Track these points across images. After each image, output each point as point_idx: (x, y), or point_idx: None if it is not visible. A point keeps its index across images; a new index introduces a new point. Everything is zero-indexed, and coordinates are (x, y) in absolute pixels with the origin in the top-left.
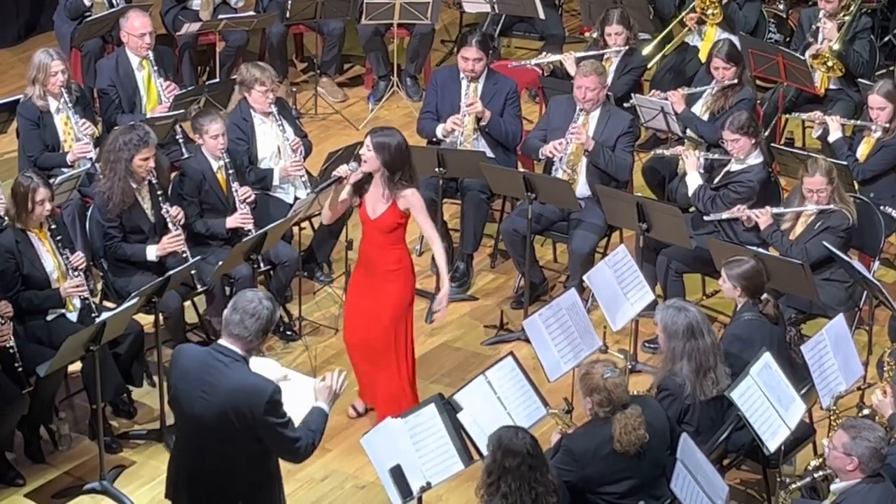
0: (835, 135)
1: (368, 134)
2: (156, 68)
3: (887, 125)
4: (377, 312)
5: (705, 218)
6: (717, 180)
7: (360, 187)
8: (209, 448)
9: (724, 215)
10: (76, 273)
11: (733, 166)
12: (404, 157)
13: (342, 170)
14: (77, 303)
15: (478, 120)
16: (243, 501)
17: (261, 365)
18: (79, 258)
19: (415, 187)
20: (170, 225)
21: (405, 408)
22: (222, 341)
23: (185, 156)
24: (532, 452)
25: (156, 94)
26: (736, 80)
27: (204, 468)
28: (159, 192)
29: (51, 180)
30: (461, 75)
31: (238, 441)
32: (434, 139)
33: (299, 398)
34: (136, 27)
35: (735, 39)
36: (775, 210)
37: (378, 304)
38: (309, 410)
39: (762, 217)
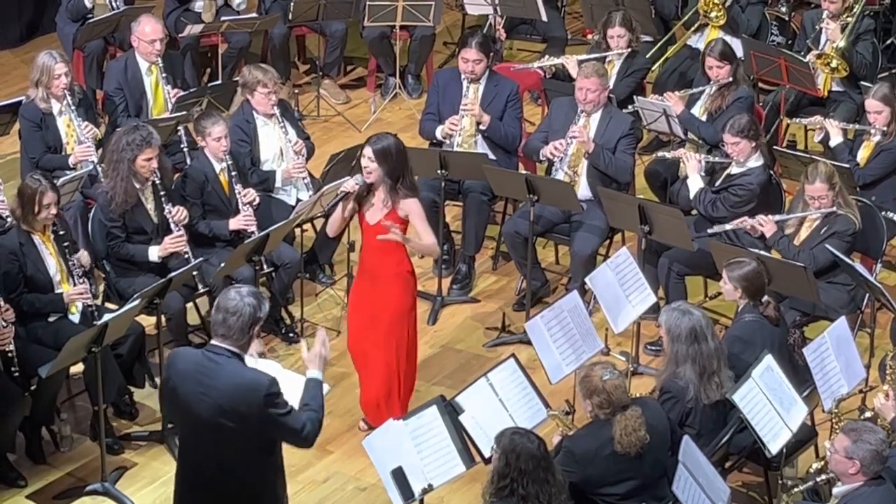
0: (835, 140)
1: (367, 145)
2: (164, 74)
3: (885, 129)
4: (377, 316)
5: (709, 231)
6: (718, 183)
7: (360, 196)
8: (212, 451)
9: (728, 226)
10: (81, 280)
11: (734, 169)
12: (403, 159)
13: (349, 185)
14: (79, 304)
15: (478, 123)
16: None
17: (261, 367)
18: (85, 257)
19: (416, 196)
20: (172, 225)
21: (388, 411)
22: (214, 341)
23: (188, 163)
24: (544, 454)
25: (163, 100)
26: (731, 79)
27: (209, 473)
28: (162, 193)
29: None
30: (462, 76)
31: (239, 440)
32: (434, 140)
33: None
34: (147, 33)
35: (737, 42)
36: (778, 217)
37: (378, 308)
38: (304, 385)
39: (766, 226)
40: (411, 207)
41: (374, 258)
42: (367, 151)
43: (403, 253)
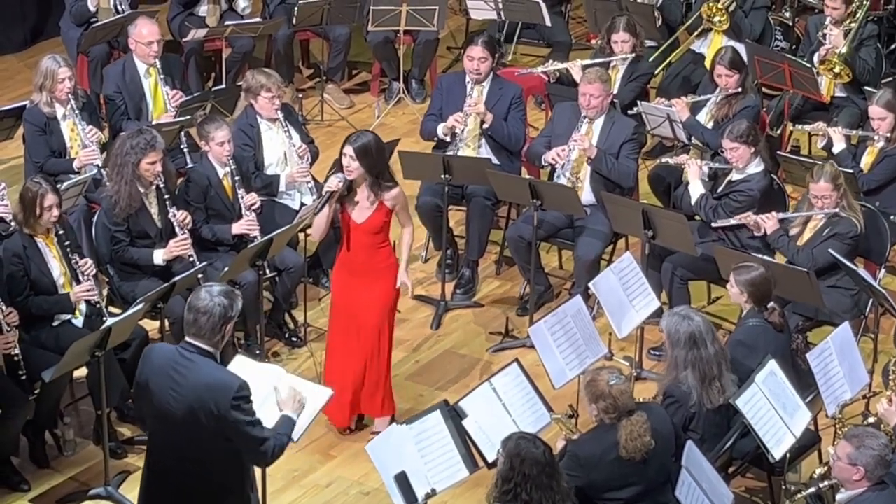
0: (838, 146)
1: (346, 144)
2: (162, 76)
3: (889, 134)
4: (368, 311)
5: (713, 225)
6: (719, 190)
7: (342, 196)
8: (179, 447)
9: (733, 221)
10: (86, 278)
11: (734, 175)
12: (383, 155)
13: (332, 184)
14: (83, 307)
15: (481, 123)
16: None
17: (265, 371)
18: (88, 265)
19: (396, 185)
20: (176, 228)
21: (383, 402)
22: (187, 338)
23: (189, 165)
24: (549, 460)
25: (162, 102)
26: (739, 88)
27: (174, 469)
28: (166, 197)
29: (57, 186)
30: (467, 79)
31: (206, 439)
32: (435, 138)
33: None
34: (144, 35)
35: (741, 47)
36: (781, 215)
37: (369, 304)
38: (278, 420)
39: (769, 222)
40: (397, 197)
41: (365, 256)
42: (348, 150)
43: (390, 246)
